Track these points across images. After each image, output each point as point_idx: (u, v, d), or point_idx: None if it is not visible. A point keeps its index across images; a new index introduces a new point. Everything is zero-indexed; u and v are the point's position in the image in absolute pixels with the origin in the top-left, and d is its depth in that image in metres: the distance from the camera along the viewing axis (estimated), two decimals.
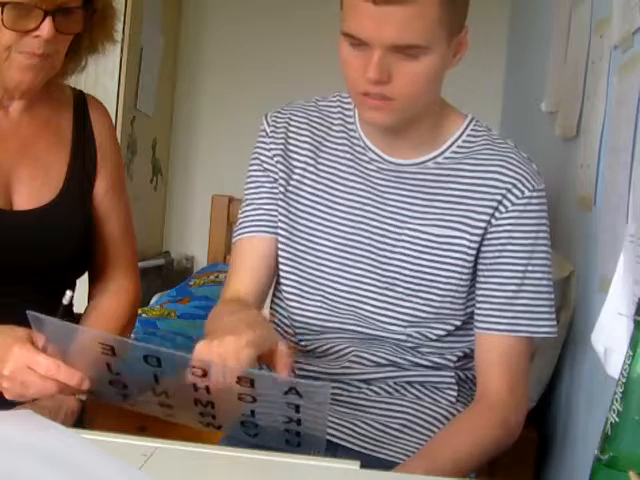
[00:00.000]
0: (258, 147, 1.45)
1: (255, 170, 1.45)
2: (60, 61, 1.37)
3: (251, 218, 1.44)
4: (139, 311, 1.85)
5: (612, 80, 1.50)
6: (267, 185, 1.44)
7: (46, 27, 1.28)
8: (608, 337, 1.20)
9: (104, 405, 1.39)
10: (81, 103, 1.50)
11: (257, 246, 1.43)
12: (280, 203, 1.42)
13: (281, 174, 1.42)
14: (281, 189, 1.42)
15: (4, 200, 1.37)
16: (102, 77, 2.73)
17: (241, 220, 1.45)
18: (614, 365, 1.18)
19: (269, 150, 1.43)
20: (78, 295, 1.52)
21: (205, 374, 1.04)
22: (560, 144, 2.02)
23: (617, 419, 0.77)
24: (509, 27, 3.30)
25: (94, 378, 1.08)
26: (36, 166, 1.41)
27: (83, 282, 1.53)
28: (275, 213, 1.42)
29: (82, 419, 1.36)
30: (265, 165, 1.44)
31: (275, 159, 1.43)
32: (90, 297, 1.52)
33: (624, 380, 0.77)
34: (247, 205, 1.45)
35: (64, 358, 1.08)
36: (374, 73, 1.22)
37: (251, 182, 1.45)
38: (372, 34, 1.21)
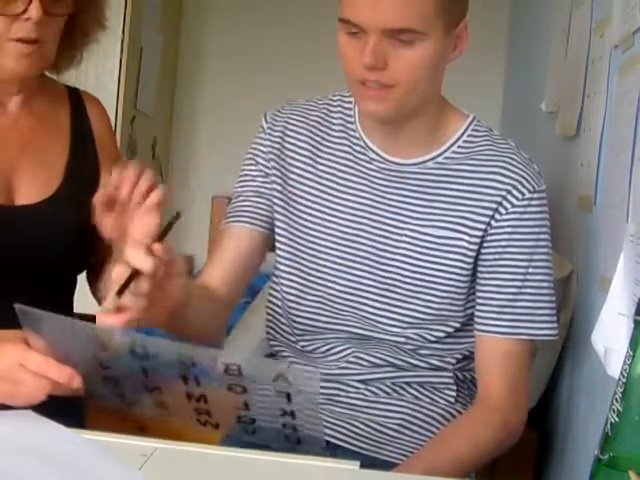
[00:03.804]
0: (254, 143, 1.46)
1: (248, 164, 1.46)
2: (53, 50, 1.37)
3: (236, 209, 1.44)
4: None
5: (612, 80, 1.50)
6: (257, 179, 1.44)
7: (34, 8, 1.28)
8: (608, 337, 1.20)
9: (104, 406, 1.39)
10: (77, 98, 1.50)
11: (233, 235, 1.43)
12: (277, 202, 1.42)
13: (274, 171, 1.42)
14: (277, 187, 1.42)
15: (5, 196, 1.37)
16: (102, 76, 2.73)
17: (228, 211, 1.46)
18: (614, 365, 1.18)
19: (264, 147, 1.43)
20: (78, 294, 1.52)
21: None
22: (560, 144, 2.02)
23: (617, 419, 0.77)
24: (509, 27, 3.30)
25: (87, 375, 1.07)
26: (37, 161, 1.41)
27: (84, 280, 1.52)
28: (263, 207, 1.42)
29: (82, 419, 1.36)
30: (258, 159, 1.44)
31: (269, 156, 1.43)
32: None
33: (624, 380, 0.77)
34: (235, 197, 1.46)
35: (56, 356, 1.06)
36: (369, 58, 1.23)
37: (242, 175, 1.46)
38: (367, 18, 1.22)
